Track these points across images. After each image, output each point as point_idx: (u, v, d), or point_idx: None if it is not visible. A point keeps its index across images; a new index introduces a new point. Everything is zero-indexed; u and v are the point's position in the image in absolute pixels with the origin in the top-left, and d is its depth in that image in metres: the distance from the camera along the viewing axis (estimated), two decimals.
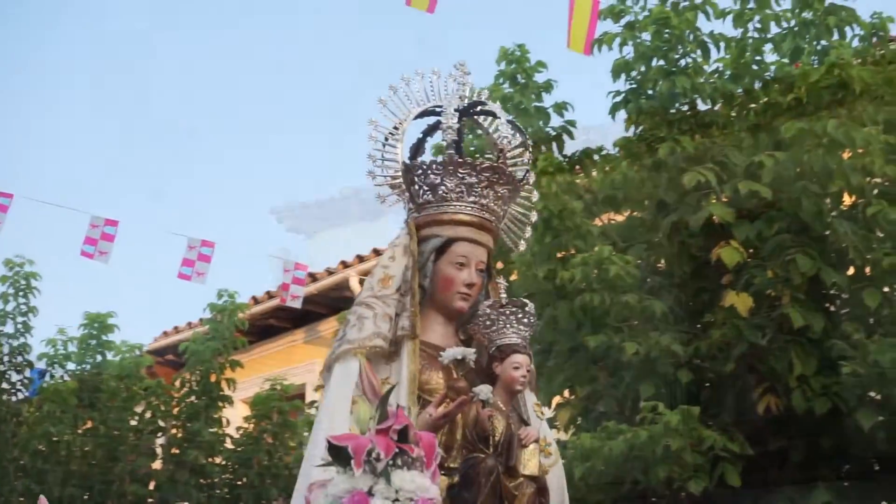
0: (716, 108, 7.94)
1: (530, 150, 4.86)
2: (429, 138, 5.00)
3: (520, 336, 4.55)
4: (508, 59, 8.48)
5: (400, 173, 4.72)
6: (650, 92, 7.83)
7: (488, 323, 4.54)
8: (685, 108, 7.83)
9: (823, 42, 7.84)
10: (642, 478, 7.11)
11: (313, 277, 15.33)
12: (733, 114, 7.89)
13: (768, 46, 8.00)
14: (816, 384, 7.03)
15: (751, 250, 7.36)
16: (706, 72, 7.92)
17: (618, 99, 8.06)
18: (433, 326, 4.59)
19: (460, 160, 4.63)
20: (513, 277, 7.88)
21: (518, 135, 4.82)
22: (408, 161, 4.75)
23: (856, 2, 7.88)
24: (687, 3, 7.88)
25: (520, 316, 4.56)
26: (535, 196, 4.87)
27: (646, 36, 7.88)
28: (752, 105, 7.84)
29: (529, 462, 4.32)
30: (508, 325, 4.56)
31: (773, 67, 8.00)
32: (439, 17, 7.80)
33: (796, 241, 7.09)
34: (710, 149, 7.66)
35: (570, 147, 8.74)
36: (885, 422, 7.00)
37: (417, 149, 4.87)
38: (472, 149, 7.52)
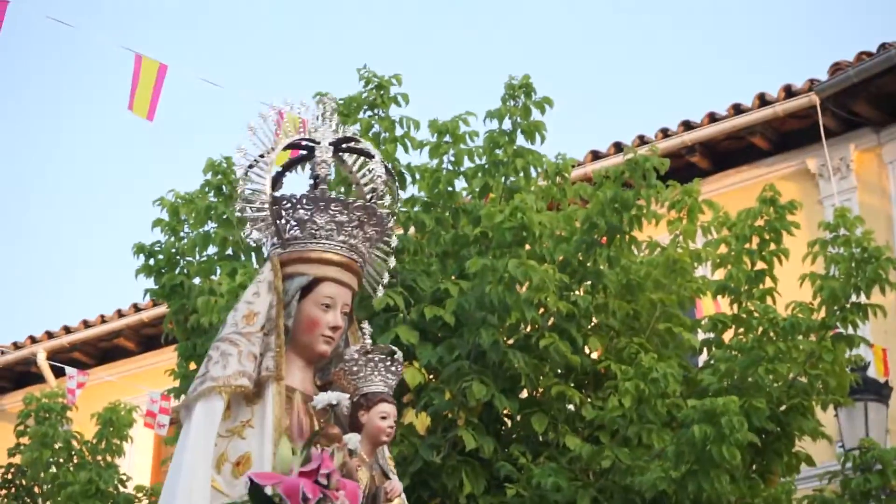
0: (408, 234, 8.29)
1: (397, 193, 4.75)
2: (289, 172, 4.75)
3: (387, 385, 4.38)
4: (215, 169, 8.58)
5: (265, 205, 4.46)
6: None
7: (355, 369, 4.35)
8: None
9: (512, 178, 8.29)
10: None
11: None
12: (424, 241, 8.28)
13: (461, 179, 8.39)
14: (484, 503, 7.41)
15: (432, 373, 7.72)
16: (401, 200, 8.24)
17: None
18: (292, 369, 4.35)
19: (333, 196, 4.43)
20: None
21: (388, 177, 4.63)
22: (276, 193, 4.48)
23: (542, 146, 8.41)
24: (387, 135, 8.27)
25: (388, 364, 4.40)
26: (395, 241, 4.67)
27: None
28: (442, 234, 8.23)
29: None
30: (376, 373, 4.38)
31: (465, 193, 8.39)
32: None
33: (474, 367, 7.52)
34: (400, 273, 7.97)
35: None
36: None
37: (275, 182, 4.60)
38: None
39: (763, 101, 12.04)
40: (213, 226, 8.56)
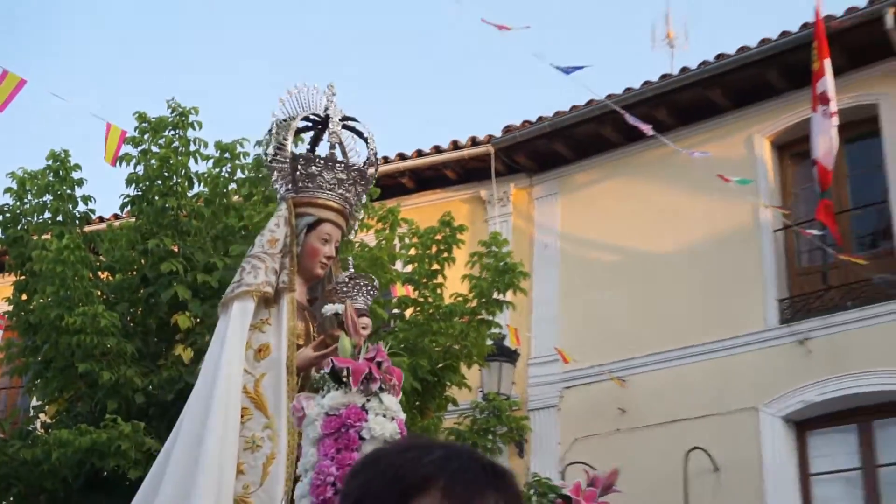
0: (191, 221, 9.53)
1: (378, 165, 5.28)
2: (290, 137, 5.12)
3: (366, 304, 4.82)
4: (55, 157, 9.61)
5: (287, 159, 4.95)
6: (151, 199, 9.31)
7: (345, 290, 4.75)
8: (172, 217, 9.34)
9: (269, 189, 9.53)
10: (99, 464, 8.38)
11: None
12: (202, 226, 9.53)
13: (234, 185, 9.73)
14: None
15: (199, 320, 9.01)
16: (189, 196, 9.52)
17: (127, 200, 9.57)
18: (296, 286, 4.77)
19: (339, 160, 4.96)
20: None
21: (375, 152, 5.16)
22: (295, 151, 4.98)
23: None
24: (183, 150, 9.48)
25: (368, 288, 4.83)
26: (365, 199, 5.16)
27: (154, 161, 9.35)
28: (216, 223, 9.54)
29: None
30: (359, 294, 4.77)
31: (235, 196, 9.71)
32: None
33: None
34: (183, 248, 9.24)
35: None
36: None
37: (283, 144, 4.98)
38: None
39: (455, 145, 13.51)
40: (49, 198, 9.62)
